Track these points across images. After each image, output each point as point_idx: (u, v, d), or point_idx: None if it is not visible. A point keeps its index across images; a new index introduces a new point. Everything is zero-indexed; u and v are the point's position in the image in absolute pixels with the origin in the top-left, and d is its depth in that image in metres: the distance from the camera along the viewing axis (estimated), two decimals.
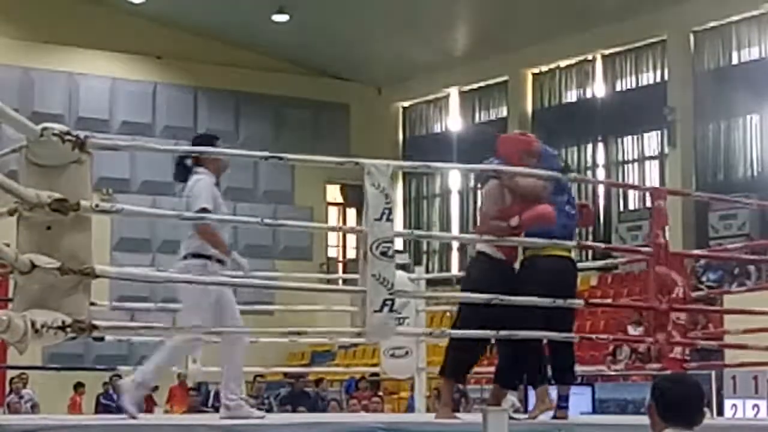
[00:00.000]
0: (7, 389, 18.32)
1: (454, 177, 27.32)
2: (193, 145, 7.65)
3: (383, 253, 6.22)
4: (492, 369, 7.82)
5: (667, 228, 7.72)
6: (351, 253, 26.79)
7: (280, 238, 25.97)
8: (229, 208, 29.35)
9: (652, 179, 23.34)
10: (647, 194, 23.02)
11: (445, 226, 27.46)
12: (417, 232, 7.33)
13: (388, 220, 6.31)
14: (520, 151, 7.48)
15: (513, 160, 7.39)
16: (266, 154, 6.56)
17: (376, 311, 6.18)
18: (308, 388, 20.78)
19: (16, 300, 4.91)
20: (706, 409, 4.46)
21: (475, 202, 26.64)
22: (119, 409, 7.66)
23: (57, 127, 5.02)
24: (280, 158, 6.54)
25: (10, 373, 17.24)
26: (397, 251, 7.40)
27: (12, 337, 4.62)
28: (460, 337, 7.34)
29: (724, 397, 13.08)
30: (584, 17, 23.03)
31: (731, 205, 20.60)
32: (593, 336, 9.19)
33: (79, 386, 20.17)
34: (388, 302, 6.19)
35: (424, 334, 7.50)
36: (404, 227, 25.45)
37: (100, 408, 19.07)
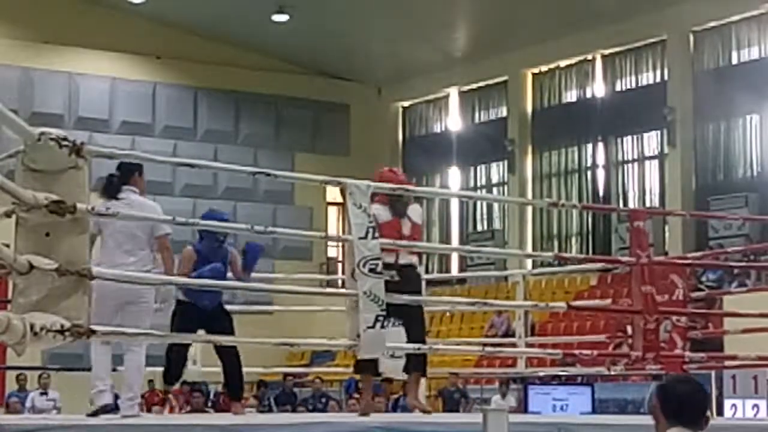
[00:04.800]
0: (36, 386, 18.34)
1: (454, 177, 27.33)
2: None
3: (372, 270, 6.37)
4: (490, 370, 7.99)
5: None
6: None
7: (280, 239, 25.96)
8: (229, 208, 29.29)
9: (652, 179, 23.35)
10: (647, 195, 23.27)
11: (445, 226, 27.48)
12: (399, 242, 7.55)
13: (374, 237, 6.43)
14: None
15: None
16: (256, 169, 6.98)
17: (368, 327, 6.31)
18: (306, 388, 20.82)
19: (15, 301, 4.91)
20: (709, 414, 4.48)
21: (475, 204, 26.66)
22: (117, 408, 7.79)
23: (54, 132, 5.02)
24: (276, 176, 6.97)
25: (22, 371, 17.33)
26: None
27: (11, 338, 4.62)
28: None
29: (724, 397, 13.08)
30: (584, 17, 23.02)
31: (730, 204, 20.64)
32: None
33: None
34: (380, 318, 6.34)
35: (414, 349, 7.60)
36: None
37: None
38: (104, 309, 7.26)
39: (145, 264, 7.73)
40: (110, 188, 7.84)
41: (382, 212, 7.84)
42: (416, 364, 8.09)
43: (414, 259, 8.11)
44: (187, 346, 9.09)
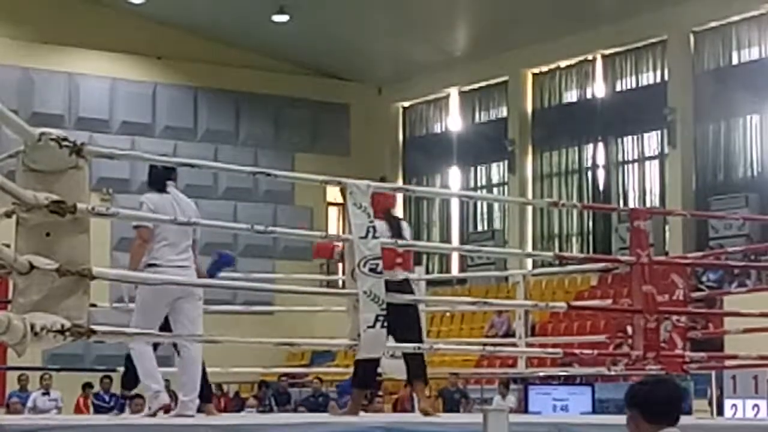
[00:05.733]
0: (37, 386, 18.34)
1: (455, 177, 27.32)
2: None
3: (372, 270, 6.36)
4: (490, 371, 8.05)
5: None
6: None
7: (280, 239, 25.93)
8: (229, 208, 29.25)
9: (652, 179, 23.35)
10: (647, 195, 23.27)
11: (445, 226, 27.47)
12: (400, 242, 7.65)
13: (374, 237, 6.43)
14: None
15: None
16: (256, 169, 6.92)
17: (369, 327, 6.32)
18: (306, 387, 20.83)
19: (15, 301, 4.91)
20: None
21: (475, 204, 26.65)
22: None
23: (55, 132, 5.02)
24: (276, 176, 6.96)
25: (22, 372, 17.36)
26: None
27: (11, 339, 4.62)
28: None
29: (724, 397, 13.07)
30: (584, 17, 23.02)
31: (730, 205, 20.64)
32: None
33: (87, 387, 19.83)
34: (380, 318, 6.34)
35: (416, 348, 7.64)
36: None
37: (92, 408, 18.81)
38: (160, 304, 7.59)
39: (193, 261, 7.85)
40: (157, 181, 7.86)
41: (384, 230, 7.96)
42: (416, 372, 8.25)
43: (410, 274, 8.42)
44: None
